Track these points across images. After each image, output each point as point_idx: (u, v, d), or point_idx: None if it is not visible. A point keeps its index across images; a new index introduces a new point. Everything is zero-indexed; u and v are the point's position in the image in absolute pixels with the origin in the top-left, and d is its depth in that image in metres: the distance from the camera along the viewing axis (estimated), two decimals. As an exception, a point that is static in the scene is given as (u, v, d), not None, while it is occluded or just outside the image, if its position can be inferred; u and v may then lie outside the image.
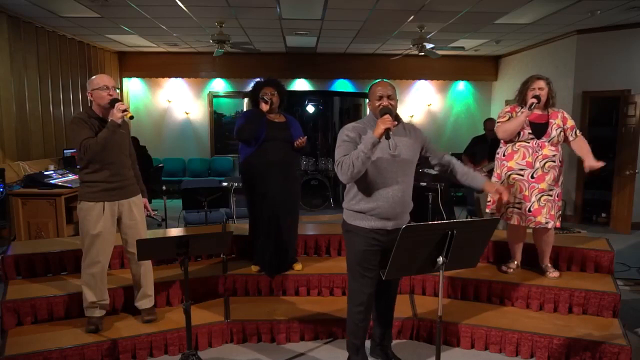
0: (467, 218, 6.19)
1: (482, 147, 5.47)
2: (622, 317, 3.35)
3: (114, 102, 2.91)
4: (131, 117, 2.96)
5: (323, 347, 3.31)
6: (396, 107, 2.56)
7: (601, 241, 3.98)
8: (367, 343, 2.99)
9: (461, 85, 10.35)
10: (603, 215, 7.22)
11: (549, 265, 3.68)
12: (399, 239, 2.03)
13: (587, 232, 6.34)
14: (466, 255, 2.23)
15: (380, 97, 2.53)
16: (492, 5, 5.81)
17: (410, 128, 2.69)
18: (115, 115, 2.87)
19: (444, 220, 5.24)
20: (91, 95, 2.99)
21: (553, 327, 3.18)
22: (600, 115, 7.44)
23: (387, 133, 2.35)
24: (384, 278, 2.19)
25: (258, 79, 3.87)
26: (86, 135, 2.89)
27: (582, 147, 3.45)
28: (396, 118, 2.53)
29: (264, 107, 3.63)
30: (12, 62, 6.06)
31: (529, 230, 3.71)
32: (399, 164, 2.55)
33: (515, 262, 3.78)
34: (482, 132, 6.05)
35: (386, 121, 2.35)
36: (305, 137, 3.71)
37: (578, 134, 3.48)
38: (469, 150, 5.69)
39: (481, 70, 10.02)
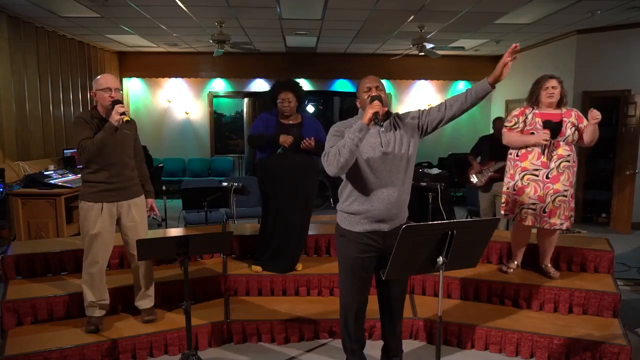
0: (467, 218, 6.19)
1: (489, 147, 5.41)
2: (622, 317, 3.35)
3: (114, 103, 2.90)
4: (127, 121, 2.93)
5: (323, 347, 3.31)
6: (386, 100, 2.48)
7: (601, 241, 3.98)
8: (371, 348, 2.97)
9: (461, 85, 10.35)
10: (603, 215, 7.22)
11: (550, 265, 3.68)
12: (399, 239, 2.02)
13: (587, 232, 6.32)
14: (466, 255, 2.23)
15: (369, 89, 2.47)
16: (492, 5, 5.81)
17: (398, 120, 2.55)
18: (113, 117, 2.85)
19: (444, 220, 5.24)
20: (95, 95, 2.99)
21: (553, 327, 3.18)
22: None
23: (375, 117, 2.26)
24: (384, 278, 2.16)
25: (276, 80, 3.85)
26: (85, 136, 2.89)
27: (585, 133, 3.42)
28: (386, 112, 2.44)
29: (288, 140, 3.60)
30: (12, 62, 6.06)
31: (533, 231, 3.69)
32: (392, 161, 2.45)
33: (516, 262, 3.77)
34: (482, 132, 6.03)
35: (374, 106, 2.28)
36: (312, 138, 3.63)
37: None
38: (475, 149, 5.63)
39: (481, 70, 9.98)
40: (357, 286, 2.57)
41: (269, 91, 3.82)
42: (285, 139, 3.60)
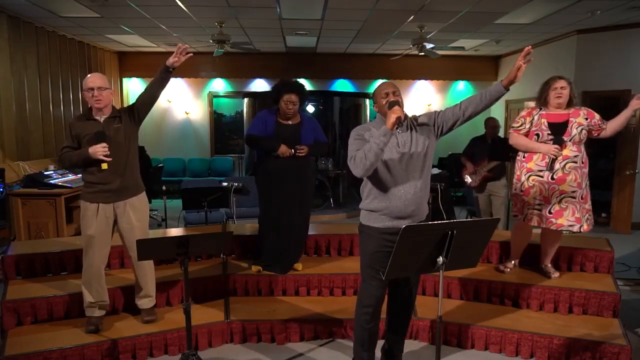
0: (467, 218, 6.19)
1: (482, 148, 5.42)
2: (622, 317, 3.35)
3: (100, 137, 2.93)
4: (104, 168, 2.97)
5: (323, 347, 3.31)
6: (403, 104, 2.55)
7: (601, 241, 3.99)
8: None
9: (461, 85, 10.36)
10: (603, 215, 7.21)
11: (550, 265, 3.68)
12: (399, 239, 2.03)
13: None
14: (466, 255, 2.23)
15: (387, 94, 2.55)
16: (492, 5, 5.81)
17: (414, 122, 2.64)
18: (95, 153, 2.89)
19: (444, 220, 5.24)
20: (84, 95, 3.02)
21: (553, 327, 3.19)
22: (600, 115, 7.42)
23: (399, 122, 2.35)
24: (383, 278, 2.19)
25: (280, 80, 3.82)
26: (65, 144, 3.00)
27: (616, 120, 3.43)
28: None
29: (287, 153, 3.63)
30: (12, 62, 6.06)
31: (538, 231, 3.68)
32: (409, 161, 2.54)
33: (513, 262, 3.77)
34: (481, 132, 6.01)
35: (396, 111, 2.36)
36: (305, 147, 3.67)
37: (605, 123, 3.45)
38: (468, 151, 5.64)
39: (481, 70, 10.02)
40: (376, 281, 2.60)
41: (272, 90, 3.78)
42: (285, 151, 3.63)
